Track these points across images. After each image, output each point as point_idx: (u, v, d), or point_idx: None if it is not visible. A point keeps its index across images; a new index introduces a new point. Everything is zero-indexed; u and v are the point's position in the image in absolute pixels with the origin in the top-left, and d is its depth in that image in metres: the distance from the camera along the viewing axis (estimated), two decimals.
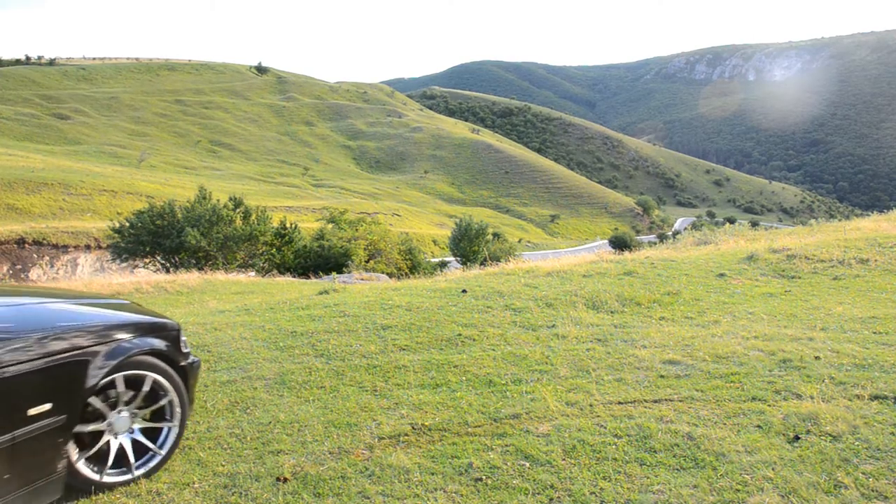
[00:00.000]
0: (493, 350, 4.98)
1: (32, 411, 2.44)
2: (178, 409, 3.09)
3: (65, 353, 2.60)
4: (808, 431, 3.35)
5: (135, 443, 2.96)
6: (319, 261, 19.96)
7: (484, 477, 2.94)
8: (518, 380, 4.26)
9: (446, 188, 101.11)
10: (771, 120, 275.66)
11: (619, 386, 4.13)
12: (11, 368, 2.35)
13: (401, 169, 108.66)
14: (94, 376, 2.69)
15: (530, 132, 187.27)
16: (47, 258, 23.78)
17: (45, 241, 24.00)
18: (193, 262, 16.79)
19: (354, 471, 3.00)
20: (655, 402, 3.85)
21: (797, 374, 4.26)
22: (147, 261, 18.22)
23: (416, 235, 44.55)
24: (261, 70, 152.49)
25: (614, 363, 4.60)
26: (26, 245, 23.62)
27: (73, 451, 2.66)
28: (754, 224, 68.87)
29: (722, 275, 8.54)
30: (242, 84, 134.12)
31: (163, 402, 3.04)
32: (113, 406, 2.86)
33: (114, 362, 2.77)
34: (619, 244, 45.03)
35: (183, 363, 3.17)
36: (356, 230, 25.74)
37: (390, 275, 17.44)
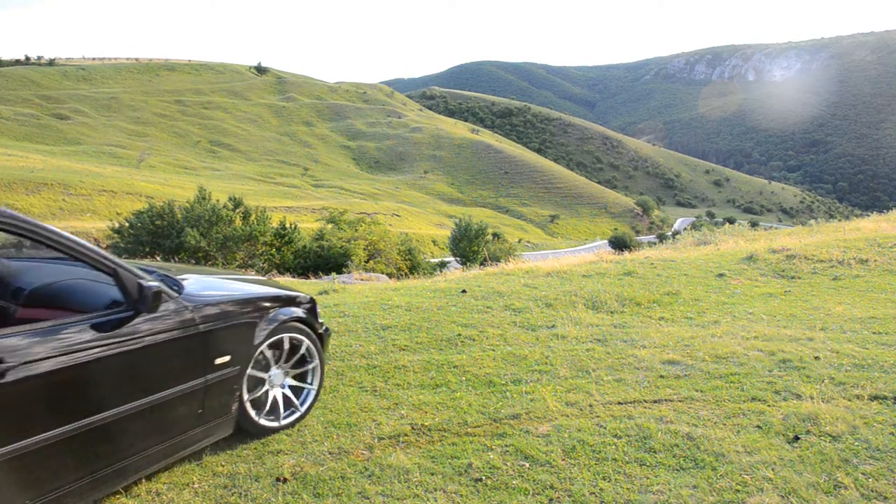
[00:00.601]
0: (493, 350, 4.99)
1: (218, 361, 3.06)
2: (318, 369, 3.71)
3: (239, 317, 3.21)
4: (808, 432, 3.35)
5: (284, 396, 3.57)
6: (319, 261, 19.96)
7: (484, 477, 2.94)
8: (518, 380, 4.26)
9: (446, 188, 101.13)
10: (771, 120, 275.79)
11: (619, 386, 4.13)
12: (204, 325, 2.98)
13: (400, 169, 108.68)
14: (258, 337, 3.30)
15: (530, 132, 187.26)
16: None
17: None
18: (193, 262, 16.78)
19: (354, 471, 3.00)
20: (655, 402, 3.85)
21: (797, 375, 4.26)
22: (147, 261, 18.21)
23: (416, 236, 44.55)
24: (260, 70, 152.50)
25: (614, 363, 4.61)
26: None
27: (244, 396, 3.27)
28: (754, 224, 68.86)
29: (721, 275, 8.54)
30: (242, 84, 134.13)
31: (304, 356, 3.65)
32: (271, 363, 3.48)
33: (272, 327, 3.38)
34: (619, 244, 45.01)
35: (319, 330, 3.78)
36: (356, 230, 25.72)
37: (390, 275, 17.44)
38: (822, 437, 3.29)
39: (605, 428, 3.46)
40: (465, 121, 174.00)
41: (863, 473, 2.93)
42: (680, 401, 3.87)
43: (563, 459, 3.10)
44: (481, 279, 8.39)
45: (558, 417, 3.62)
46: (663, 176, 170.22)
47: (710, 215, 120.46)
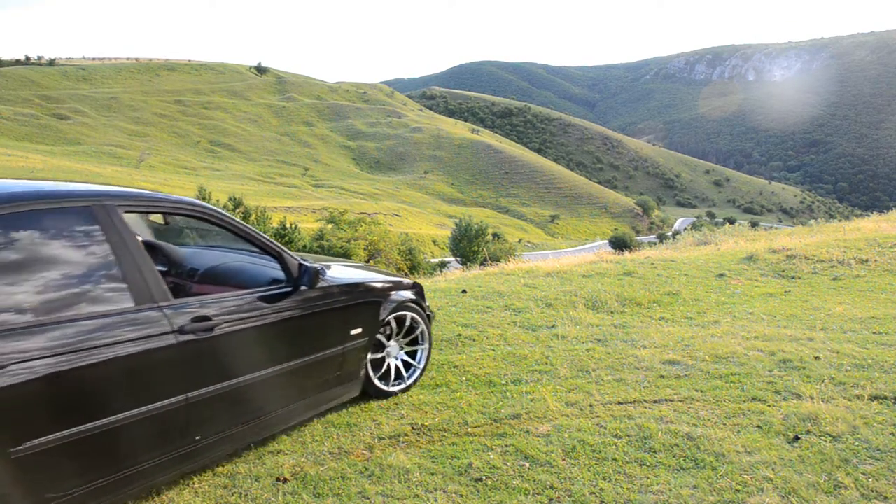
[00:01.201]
0: (493, 350, 4.99)
1: (353, 332, 3.61)
2: (427, 344, 4.29)
3: (369, 297, 3.81)
4: (808, 432, 3.35)
5: (398, 367, 4.13)
6: None
7: (484, 477, 2.94)
8: (518, 380, 4.26)
9: (446, 188, 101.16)
10: (771, 120, 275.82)
11: (619, 386, 4.14)
12: (343, 303, 3.55)
13: (400, 169, 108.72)
14: (382, 314, 3.88)
15: (530, 132, 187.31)
16: None
17: None
18: None
19: (354, 471, 3.00)
20: (655, 402, 3.85)
21: (797, 375, 4.26)
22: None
23: (416, 236, 44.56)
24: (260, 70, 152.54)
25: (614, 363, 4.61)
26: None
27: (368, 364, 3.83)
28: (754, 224, 68.84)
29: (722, 275, 8.54)
30: (242, 84, 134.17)
31: (415, 332, 4.23)
32: (389, 337, 4.07)
33: (392, 306, 3.95)
34: (619, 244, 45.00)
35: (427, 311, 4.35)
36: (356, 230, 25.73)
37: None
38: (823, 437, 3.29)
39: (605, 428, 3.46)
40: (466, 121, 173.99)
41: (863, 473, 2.93)
42: (680, 401, 3.87)
43: (564, 459, 3.10)
44: (481, 279, 8.39)
45: (558, 417, 3.62)
46: (663, 176, 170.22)
47: (711, 215, 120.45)
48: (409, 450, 3.23)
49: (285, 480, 2.92)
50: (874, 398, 3.81)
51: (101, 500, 2.38)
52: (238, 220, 3.17)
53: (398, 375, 4.10)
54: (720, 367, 4.48)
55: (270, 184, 70.31)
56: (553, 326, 5.81)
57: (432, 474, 2.97)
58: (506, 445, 3.25)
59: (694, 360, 4.64)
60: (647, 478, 2.92)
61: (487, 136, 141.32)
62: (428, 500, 2.76)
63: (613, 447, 3.22)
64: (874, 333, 5.33)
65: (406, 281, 4.29)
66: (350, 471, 3.00)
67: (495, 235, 45.94)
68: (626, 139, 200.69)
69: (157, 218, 3.21)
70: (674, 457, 3.11)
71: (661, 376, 4.31)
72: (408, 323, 4.13)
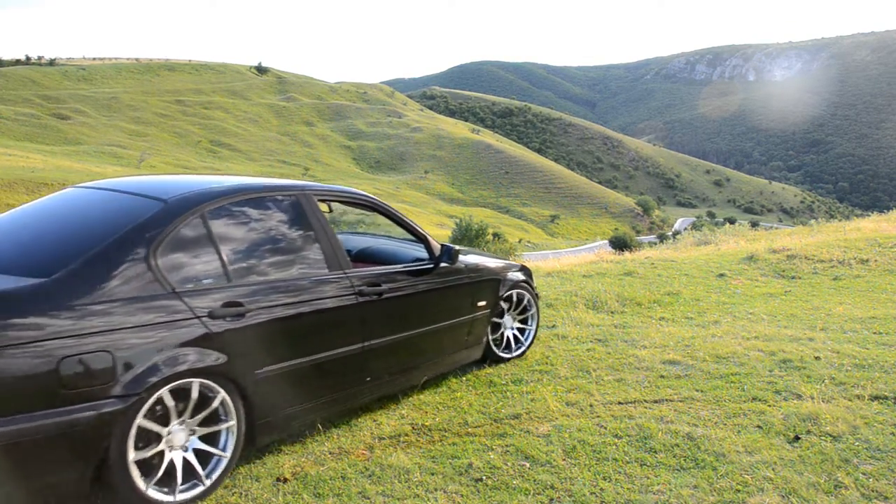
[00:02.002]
0: None
1: (479, 304, 4.27)
2: (536, 315, 4.88)
3: (491, 275, 4.44)
4: (809, 432, 3.35)
5: (512, 337, 4.75)
6: None
7: (484, 477, 2.94)
8: (518, 380, 4.26)
9: (446, 188, 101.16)
10: (771, 120, 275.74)
11: (620, 386, 4.14)
12: (472, 279, 4.21)
13: (401, 169, 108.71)
14: (500, 291, 4.49)
15: (530, 132, 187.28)
16: None
17: None
18: None
19: (354, 471, 3.00)
20: (656, 402, 3.85)
21: (797, 375, 4.26)
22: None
23: None
24: (261, 70, 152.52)
25: (614, 363, 4.61)
26: None
27: (489, 334, 4.49)
28: (754, 224, 68.84)
29: (722, 275, 8.54)
30: (242, 84, 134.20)
31: (526, 308, 4.81)
32: (504, 312, 4.65)
33: (509, 284, 4.56)
34: (619, 244, 44.95)
35: (535, 292, 4.91)
36: (356, 230, 25.69)
37: None
38: (823, 437, 3.29)
39: (605, 428, 3.46)
40: (466, 121, 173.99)
41: (863, 473, 2.93)
42: (680, 401, 3.87)
43: (564, 459, 3.10)
44: None
45: (559, 417, 3.62)
46: (664, 176, 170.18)
47: (711, 215, 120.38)
48: (410, 450, 3.23)
49: (285, 480, 2.92)
50: (875, 398, 3.81)
51: (306, 417, 3.23)
52: (396, 210, 3.93)
53: (509, 345, 4.71)
54: (720, 367, 4.48)
55: None
56: (553, 326, 5.81)
57: (432, 474, 2.97)
58: (506, 445, 3.25)
59: (694, 360, 4.64)
60: (648, 478, 2.92)
61: (488, 136, 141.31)
62: (428, 500, 2.76)
63: (614, 447, 3.22)
64: (874, 333, 5.33)
65: (519, 265, 4.93)
66: (350, 471, 3.00)
67: (495, 235, 45.91)
68: (627, 139, 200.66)
69: (323, 207, 3.65)
70: (674, 457, 3.11)
71: (662, 376, 4.31)
72: (519, 299, 4.72)
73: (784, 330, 5.49)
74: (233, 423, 2.79)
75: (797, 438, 3.28)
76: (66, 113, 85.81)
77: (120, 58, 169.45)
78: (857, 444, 3.21)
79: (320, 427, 3.58)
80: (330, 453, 3.20)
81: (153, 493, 2.51)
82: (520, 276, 4.72)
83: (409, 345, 3.75)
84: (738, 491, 2.79)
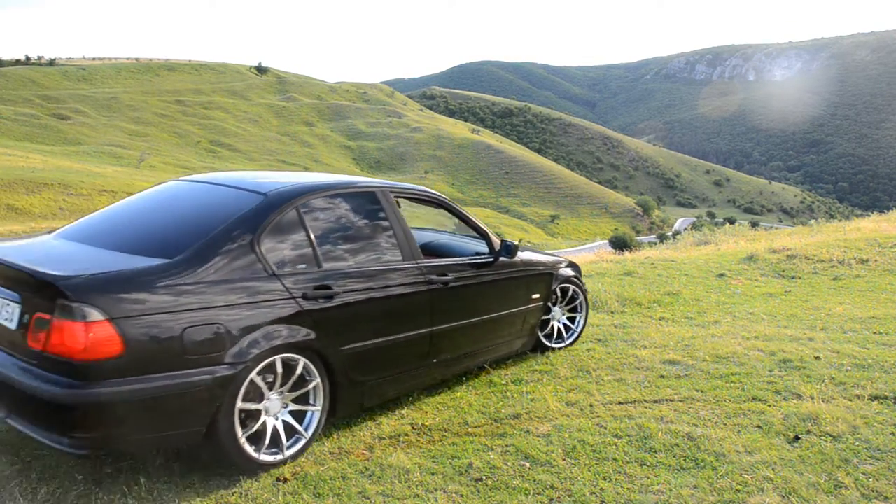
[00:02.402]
0: None
1: (533, 297, 4.53)
2: (584, 308, 5.15)
3: (544, 270, 4.71)
4: (809, 432, 3.36)
5: (562, 327, 5.02)
6: None
7: (484, 477, 2.94)
8: (518, 380, 4.26)
9: (446, 188, 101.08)
10: (771, 120, 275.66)
11: (620, 386, 4.14)
12: (527, 273, 4.48)
13: (401, 169, 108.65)
14: (552, 285, 4.76)
15: (530, 132, 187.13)
16: None
17: None
18: None
19: (354, 471, 3.00)
20: (655, 402, 3.85)
21: (797, 375, 4.27)
22: None
23: None
24: (261, 70, 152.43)
25: (614, 363, 4.61)
26: None
27: (539, 323, 4.71)
28: (754, 224, 68.78)
29: (722, 275, 8.54)
30: (242, 84, 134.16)
31: (575, 301, 5.11)
32: (555, 304, 4.95)
33: (561, 279, 4.85)
34: (619, 244, 44.92)
35: (584, 287, 5.20)
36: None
37: None
38: (823, 437, 3.29)
39: (605, 428, 3.46)
40: (466, 121, 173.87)
41: (863, 473, 2.93)
42: (680, 401, 3.87)
43: (564, 459, 3.10)
44: None
45: (559, 417, 3.62)
46: (664, 176, 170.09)
47: (711, 215, 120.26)
48: (410, 450, 3.23)
49: (285, 480, 2.92)
50: (874, 398, 3.81)
51: (379, 392, 3.54)
52: (460, 207, 4.28)
53: (559, 336, 4.97)
54: (720, 366, 4.48)
55: None
56: None
57: (432, 474, 2.97)
58: (506, 445, 3.25)
59: (694, 360, 4.64)
60: (648, 478, 2.92)
61: (487, 136, 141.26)
62: (428, 499, 2.76)
63: (614, 447, 3.22)
64: (874, 333, 5.33)
65: (568, 261, 5.22)
66: (350, 471, 3.00)
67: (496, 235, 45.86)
68: (627, 139, 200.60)
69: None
70: (674, 457, 3.11)
71: (662, 376, 4.31)
72: (569, 294, 5.01)
73: (784, 330, 5.49)
74: (319, 397, 3.13)
75: (797, 438, 3.28)
76: (65, 113, 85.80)
77: (120, 58, 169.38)
78: (857, 444, 3.21)
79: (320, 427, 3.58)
80: (330, 453, 3.20)
81: (248, 449, 2.90)
82: (570, 271, 5.01)
83: (470, 331, 4.04)
84: (738, 491, 2.79)
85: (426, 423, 3.55)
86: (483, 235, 4.25)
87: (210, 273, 2.79)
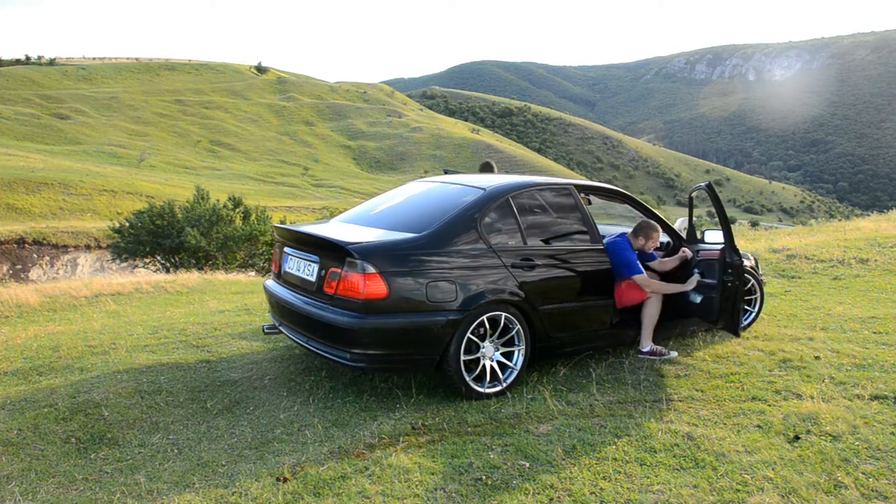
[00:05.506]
0: None
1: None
2: (759, 300, 5.59)
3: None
4: (808, 431, 3.35)
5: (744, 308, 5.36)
6: None
7: (484, 476, 2.94)
8: (518, 380, 4.26)
9: None
10: (771, 120, 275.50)
11: (620, 386, 4.14)
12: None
13: (401, 169, 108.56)
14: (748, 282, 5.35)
15: (530, 132, 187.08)
16: (47, 258, 23.73)
17: (45, 241, 23.93)
18: (193, 262, 16.72)
19: (354, 471, 3.00)
20: (655, 402, 3.85)
21: (797, 374, 4.27)
22: (147, 261, 18.12)
23: None
24: (261, 70, 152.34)
25: (614, 363, 4.61)
26: (26, 245, 23.58)
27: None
28: (754, 224, 68.77)
29: None
30: (242, 84, 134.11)
31: (754, 296, 5.56)
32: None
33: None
34: None
35: (760, 278, 5.63)
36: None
37: None
38: (823, 437, 3.29)
39: (605, 428, 3.46)
40: (466, 120, 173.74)
41: (863, 473, 2.93)
42: (680, 400, 3.87)
43: (564, 459, 3.10)
44: None
45: (559, 417, 3.62)
46: (664, 176, 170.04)
47: (711, 215, 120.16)
48: (409, 449, 3.23)
49: (285, 480, 2.92)
50: (874, 398, 3.81)
51: (567, 348, 4.40)
52: (645, 203, 4.99)
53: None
54: (720, 366, 4.48)
55: (271, 183, 70.22)
56: None
57: (432, 474, 2.97)
58: (506, 445, 3.25)
59: (694, 359, 4.64)
60: (647, 477, 2.92)
61: (487, 136, 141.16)
62: (428, 499, 2.76)
63: (613, 447, 3.22)
64: (874, 333, 5.33)
65: (748, 254, 5.69)
66: (350, 470, 3.00)
67: None
68: (627, 139, 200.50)
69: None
70: (674, 456, 3.11)
71: (662, 376, 4.31)
72: (749, 284, 5.42)
73: (784, 329, 5.49)
74: (522, 339, 4.02)
75: (797, 438, 3.28)
76: (65, 113, 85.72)
77: (120, 58, 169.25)
78: (856, 443, 3.21)
79: (320, 427, 3.58)
80: (330, 453, 3.20)
81: (472, 383, 3.86)
82: (749, 263, 5.45)
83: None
84: (738, 491, 2.79)
85: (426, 423, 3.55)
86: (664, 227, 5.04)
87: (445, 244, 3.80)
